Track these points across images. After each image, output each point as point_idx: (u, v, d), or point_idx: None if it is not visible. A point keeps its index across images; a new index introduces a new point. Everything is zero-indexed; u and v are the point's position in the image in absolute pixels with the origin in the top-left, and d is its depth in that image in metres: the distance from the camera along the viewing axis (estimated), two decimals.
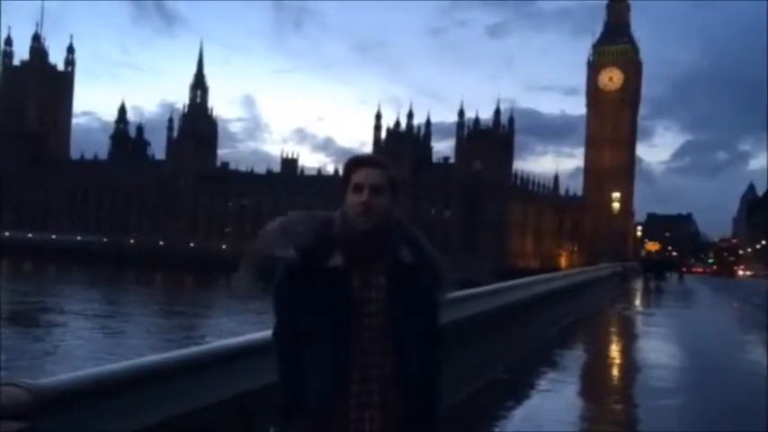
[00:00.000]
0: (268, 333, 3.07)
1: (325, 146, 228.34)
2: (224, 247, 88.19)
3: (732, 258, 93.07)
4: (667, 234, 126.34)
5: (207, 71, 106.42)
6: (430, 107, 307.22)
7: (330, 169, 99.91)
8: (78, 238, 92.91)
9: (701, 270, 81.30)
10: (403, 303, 1.69)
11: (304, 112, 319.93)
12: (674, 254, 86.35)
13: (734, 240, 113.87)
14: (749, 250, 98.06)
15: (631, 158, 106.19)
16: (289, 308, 1.71)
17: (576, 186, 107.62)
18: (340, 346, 1.65)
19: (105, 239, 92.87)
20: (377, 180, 1.72)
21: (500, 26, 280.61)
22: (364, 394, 1.65)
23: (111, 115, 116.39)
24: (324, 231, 1.72)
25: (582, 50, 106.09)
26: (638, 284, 26.04)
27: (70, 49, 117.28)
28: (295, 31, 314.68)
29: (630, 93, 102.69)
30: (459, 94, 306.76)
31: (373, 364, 1.66)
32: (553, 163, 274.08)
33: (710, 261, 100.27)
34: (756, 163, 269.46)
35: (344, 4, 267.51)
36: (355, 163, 1.77)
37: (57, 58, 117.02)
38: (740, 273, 70.16)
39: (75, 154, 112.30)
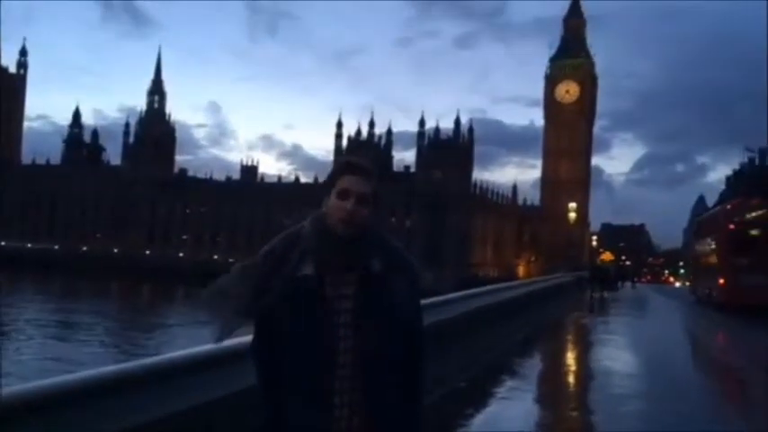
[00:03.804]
0: (226, 343, 3.06)
1: (293, 153, 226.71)
2: (181, 255, 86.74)
3: (660, 270, 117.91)
4: (621, 244, 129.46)
5: (174, 76, 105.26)
6: (399, 117, 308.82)
7: (291, 177, 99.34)
8: (29, 245, 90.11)
9: (644, 280, 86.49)
10: (373, 314, 1.66)
11: (272, 119, 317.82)
12: (628, 263, 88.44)
13: (661, 259, 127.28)
14: None
15: (587, 170, 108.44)
16: (264, 321, 1.68)
17: (538, 196, 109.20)
18: (312, 359, 1.62)
19: (57, 247, 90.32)
20: (365, 190, 1.69)
21: (468, 37, 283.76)
22: (338, 407, 1.62)
23: (67, 119, 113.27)
24: (294, 240, 1.70)
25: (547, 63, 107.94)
26: (594, 294, 26.41)
27: (23, 52, 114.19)
28: (265, 38, 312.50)
29: (587, 105, 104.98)
30: (428, 104, 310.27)
31: (344, 376, 1.63)
32: (515, 173, 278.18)
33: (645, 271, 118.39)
34: (714, 176, 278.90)
35: (315, 13, 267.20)
36: (345, 167, 1.73)
37: (10, 61, 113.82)
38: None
39: (27, 158, 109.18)
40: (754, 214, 22.09)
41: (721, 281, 21.22)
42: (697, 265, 29.16)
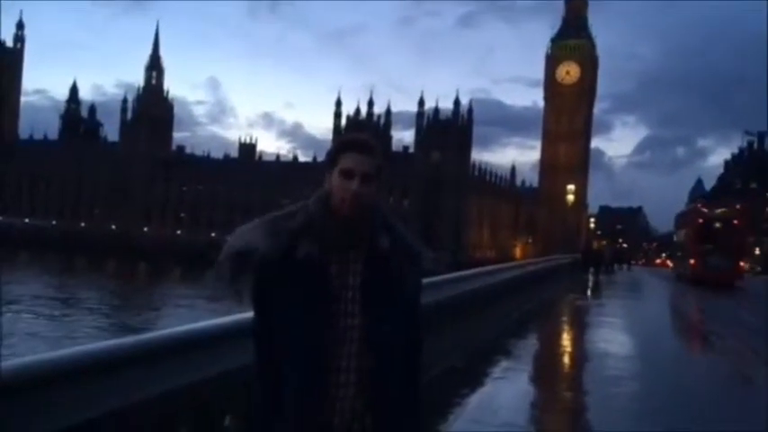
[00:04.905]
0: (222, 321, 3.07)
1: (293, 132, 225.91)
2: (179, 233, 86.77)
3: (653, 254, 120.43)
4: (619, 227, 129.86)
5: (174, 52, 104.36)
6: (399, 96, 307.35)
7: (290, 156, 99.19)
8: (26, 221, 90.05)
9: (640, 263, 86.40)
10: (380, 291, 1.64)
11: (272, 97, 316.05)
12: (624, 246, 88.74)
13: (654, 244, 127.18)
14: None
15: (586, 152, 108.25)
16: (267, 304, 1.65)
17: (537, 179, 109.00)
18: (318, 336, 1.59)
19: (54, 223, 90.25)
20: (368, 169, 1.65)
21: (471, 16, 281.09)
22: (342, 386, 1.60)
23: (65, 94, 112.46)
24: (298, 219, 1.66)
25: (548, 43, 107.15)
26: (587, 276, 26.38)
27: (20, 26, 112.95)
28: (266, 15, 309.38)
29: (587, 87, 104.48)
30: (429, 84, 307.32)
31: (350, 353, 1.61)
32: (516, 154, 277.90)
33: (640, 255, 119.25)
34: (714, 159, 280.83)
35: None
36: (347, 145, 1.69)
37: (7, 35, 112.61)
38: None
39: (24, 134, 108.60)
40: (717, 211, 29.43)
41: (692, 261, 26.97)
42: (676, 250, 36.42)
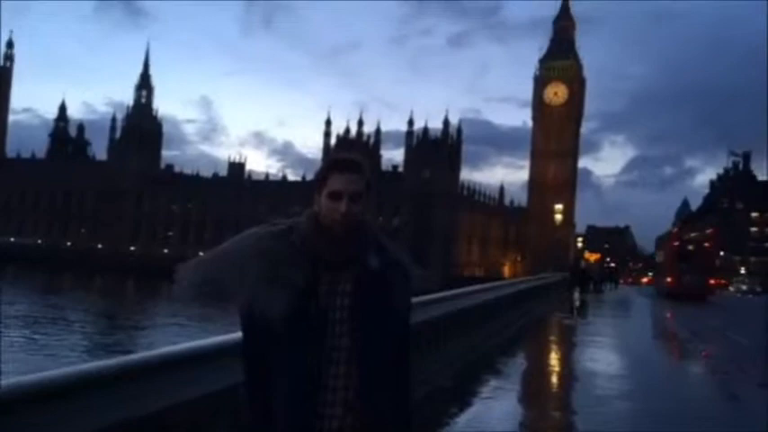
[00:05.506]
0: (213, 341, 3.08)
1: (284, 151, 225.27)
2: (166, 251, 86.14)
3: (638, 273, 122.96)
4: (606, 246, 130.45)
5: (166, 70, 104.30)
6: (392, 115, 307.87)
7: (280, 175, 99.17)
8: (12, 239, 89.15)
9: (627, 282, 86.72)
10: (370, 312, 1.63)
11: (264, 115, 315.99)
12: (612, 265, 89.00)
13: (640, 264, 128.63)
14: None
15: (574, 171, 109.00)
16: (255, 324, 1.63)
17: (526, 198, 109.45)
18: (305, 356, 1.59)
19: (41, 242, 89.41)
20: (357, 188, 1.65)
21: (462, 36, 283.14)
22: (330, 405, 1.60)
23: (54, 113, 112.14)
24: (287, 239, 1.66)
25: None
26: (574, 295, 26.19)
27: (9, 44, 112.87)
28: (260, 34, 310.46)
29: (574, 107, 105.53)
30: (421, 103, 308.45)
31: (337, 373, 1.61)
32: (505, 174, 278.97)
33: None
34: (702, 178, 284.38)
35: (310, 9, 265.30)
36: (335, 165, 1.69)
37: None
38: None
39: (12, 152, 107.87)
40: (691, 235, 35.28)
41: (669, 279, 30.96)
42: (656, 269, 42.77)
